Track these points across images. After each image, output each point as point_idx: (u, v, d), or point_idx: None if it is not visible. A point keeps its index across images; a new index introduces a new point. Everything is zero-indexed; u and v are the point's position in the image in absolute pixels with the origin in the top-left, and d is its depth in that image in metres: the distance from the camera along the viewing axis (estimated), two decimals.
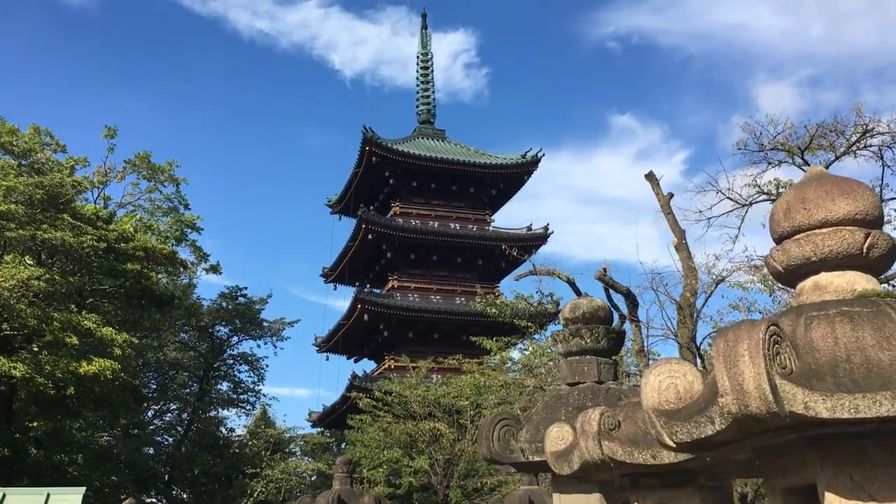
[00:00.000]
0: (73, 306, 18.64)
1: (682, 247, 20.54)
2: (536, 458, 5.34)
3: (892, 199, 23.37)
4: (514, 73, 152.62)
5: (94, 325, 17.55)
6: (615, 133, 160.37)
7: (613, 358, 5.88)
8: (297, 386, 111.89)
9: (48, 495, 12.26)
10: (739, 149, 25.81)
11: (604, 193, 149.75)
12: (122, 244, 19.62)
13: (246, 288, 40.78)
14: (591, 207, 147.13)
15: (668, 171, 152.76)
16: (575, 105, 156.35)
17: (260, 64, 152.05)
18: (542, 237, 49.13)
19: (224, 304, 40.20)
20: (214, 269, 38.24)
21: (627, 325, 21.95)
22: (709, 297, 19.91)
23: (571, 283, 23.67)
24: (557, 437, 4.27)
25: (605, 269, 20.22)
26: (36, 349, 17.70)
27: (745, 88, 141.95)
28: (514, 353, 25.25)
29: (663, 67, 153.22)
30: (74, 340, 16.99)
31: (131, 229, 21.50)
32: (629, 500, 3.93)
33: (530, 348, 23.15)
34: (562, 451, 4.15)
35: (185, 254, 36.84)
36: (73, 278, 18.70)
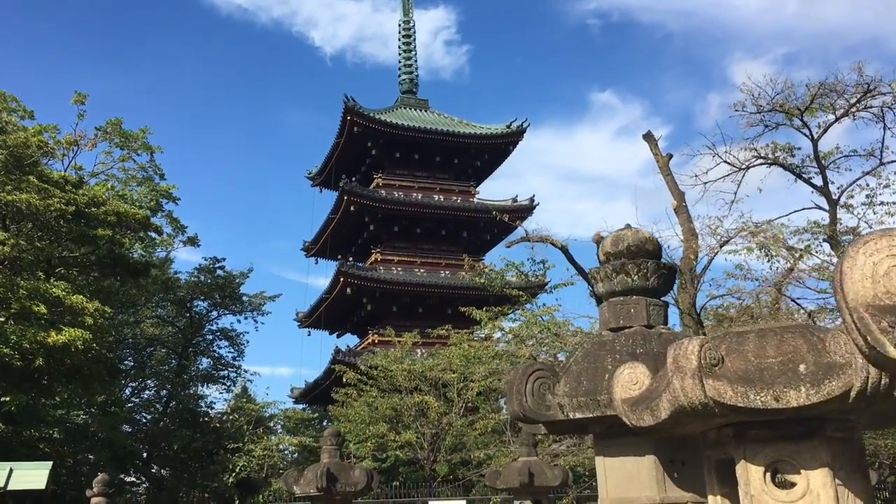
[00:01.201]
0: (40, 274, 17.54)
1: (681, 209, 19.70)
2: (579, 415, 4.45)
3: (893, 161, 22.66)
4: (495, 50, 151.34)
5: (64, 293, 16.46)
6: (596, 110, 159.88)
7: (663, 299, 4.99)
8: (278, 365, 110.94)
9: (11, 470, 11.30)
10: (737, 110, 24.92)
11: (585, 171, 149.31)
12: (93, 209, 18.48)
13: (224, 260, 39.48)
14: (572, 185, 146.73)
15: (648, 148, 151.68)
16: (556, 82, 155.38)
17: (238, 40, 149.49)
18: (528, 209, 48.22)
19: (202, 277, 38.96)
20: (192, 241, 36.94)
21: None
22: (711, 259, 19.13)
23: (565, 251, 22.78)
24: (629, 380, 3.38)
25: (601, 236, 19.35)
26: (1, 319, 16.59)
27: (723, 66, 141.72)
28: (505, 324, 24.34)
29: (644, 44, 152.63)
30: (42, 309, 15.90)
31: (103, 195, 20.36)
32: (731, 456, 3.04)
33: (523, 316, 22.27)
34: (639, 398, 3.25)
35: (160, 223, 35.66)
36: (41, 244, 17.54)
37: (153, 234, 25.20)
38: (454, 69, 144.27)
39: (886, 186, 22.55)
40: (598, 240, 19.87)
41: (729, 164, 23.87)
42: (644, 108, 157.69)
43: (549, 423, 4.61)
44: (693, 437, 4.58)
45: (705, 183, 22.71)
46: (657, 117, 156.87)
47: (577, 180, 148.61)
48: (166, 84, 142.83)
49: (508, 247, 23.91)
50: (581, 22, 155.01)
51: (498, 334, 25.63)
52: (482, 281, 22.92)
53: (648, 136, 20.43)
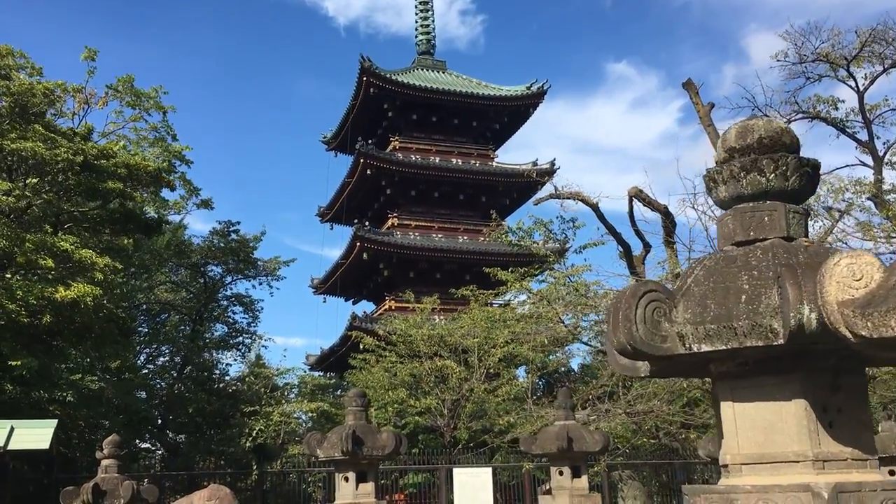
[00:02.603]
0: (48, 227, 16.66)
1: None
2: (706, 347, 3.46)
3: None
4: (510, 20, 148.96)
5: (72, 247, 15.58)
6: (611, 81, 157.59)
7: (804, 206, 3.95)
8: (291, 335, 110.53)
9: (12, 429, 10.49)
10: (778, 60, 23.70)
11: (598, 142, 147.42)
12: (103, 161, 17.52)
13: (239, 223, 38.63)
14: (585, 157, 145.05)
15: (664, 119, 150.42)
16: (571, 53, 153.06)
17: (251, 10, 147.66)
18: (549, 172, 46.76)
19: (216, 240, 38.09)
20: (206, 204, 35.97)
21: (661, 249, 20.11)
22: None
23: (595, 208, 21.71)
24: (850, 273, 2.38)
25: (638, 189, 18.31)
26: (7, 274, 15.73)
27: (739, 37, 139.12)
28: (532, 286, 23.33)
29: (661, 14, 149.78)
30: (49, 263, 15.01)
31: (113, 148, 19.39)
32: None
33: (552, 277, 21.27)
34: (871, 297, 2.25)
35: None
36: (48, 195, 16.62)
37: (166, 195, 24.26)
38: (469, 39, 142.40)
39: None
40: (637, 192, 18.81)
41: (768, 117, 22.63)
42: (660, 79, 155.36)
43: (664, 359, 3.63)
44: (853, 374, 3.59)
45: None
46: (674, 88, 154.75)
47: (590, 152, 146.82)
48: (178, 51, 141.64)
49: (536, 204, 22.91)
50: None
51: (521, 297, 24.68)
52: (509, 239, 21.94)
53: (689, 84, 19.27)
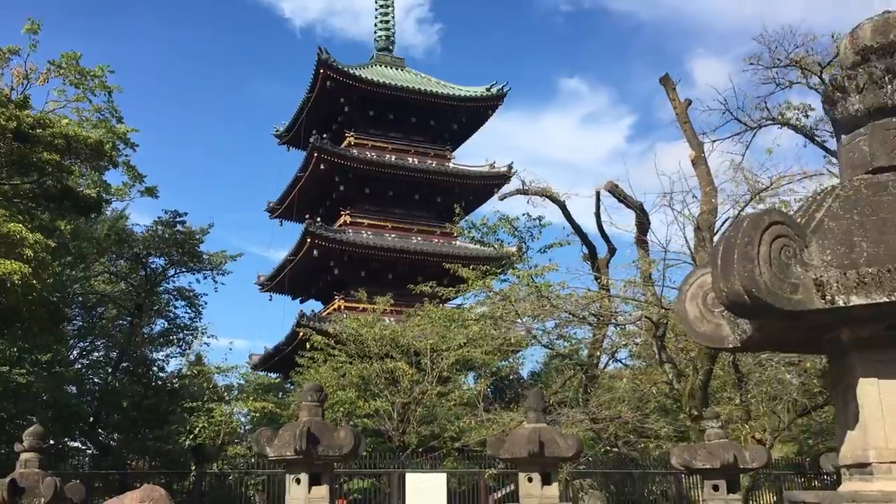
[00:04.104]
0: None
1: (700, 160, 17.91)
2: (859, 300, 2.50)
3: None
4: (468, 30, 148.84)
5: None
6: (563, 96, 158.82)
7: None
8: (235, 335, 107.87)
9: None
10: (751, 63, 23.23)
11: (549, 156, 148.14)
12: (39, 130, 16.03)
13: (186, 214, 36.82)
14: (536, 168, 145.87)
15: (614, 136, 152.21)
16: (526, 66, 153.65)
17: (207, 3, 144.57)
18: (505, 176, 46.17)
19: (160, 230, 36.27)
20: (151, 192, 34.13)
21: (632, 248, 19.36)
22: (741, 212, 17.31)
23: (563, 207, 20.93)
24: None
25: (614, 184, 17.52)
26: None
27: (686, 60, 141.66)
28: (493, 286, 22.34)
29: (614, 33, 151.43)
30: None
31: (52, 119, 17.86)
32: None
33: (514, 277, 20.39)
34: None
35: (116, 174, 33.16)
36: None
37: (109, 180, 22.59)
38: (426, 47, 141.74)
39: None
40: (612, 187, 18.03)
41: (740, 121, 22.12)
42: (611, 96, 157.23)
43: (787, 317, 2.67)
44: None
45: (713, 141, 21.01)
46: (624, 105, 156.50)
47: (541, 164, 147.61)
48: (127, 44, 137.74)
49: (502, 199, 22.02)
50: (553, 8, 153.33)
51: (482, 297, 23.66)
52: (471, 235, 21.00)
53: (666, 80, 18.56)
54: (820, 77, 22.85)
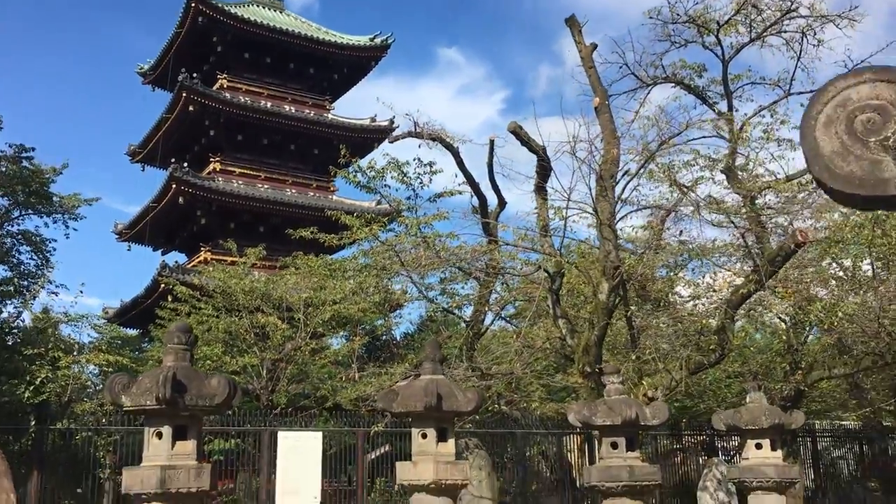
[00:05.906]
0: None
1: (603, 108, 17.11)
2: None
3: (799, 93, 21.20)
4: None
5: None
6: (441, 65, 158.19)
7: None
8: (89, 292, 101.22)
9: None
10: (651, 17, 22.64)
11: (425, 124, 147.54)
12: None
13: (34, 149, 33.23)
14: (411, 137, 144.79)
15: (488, 108, 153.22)
16: (405, 31, 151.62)
17: None
18: (387, 129, 44.60)
19: (3, 166, 32.63)
20: None
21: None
22: (641, 167, 16.64)
23: (456, 154, 19.73)
24: None
25: (518, 125, 16.46)
26: None
27: (559, 37, 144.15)
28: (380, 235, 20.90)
29: (494, 5, 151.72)
30: None
31: None
32: None
33: (402, 226, 19.10)
34: None
35: None
36: None
37: None
38: (302, 5, 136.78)
39: (783, 122, 21.16)
40: (515, 128, 16.95)
41: (636, 76, 21.56)
42: (487, 69, 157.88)
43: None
44: None
45: (610, 96, 20.35)
46: (499, 79, 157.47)
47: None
48: None
49: (392, 142, 20.63)
50: None
51: (366, 246, 22.21)
52: (357, 180, 19.49)
53: (572, 21, 17.60)
54: (717, 36, 22.63)
